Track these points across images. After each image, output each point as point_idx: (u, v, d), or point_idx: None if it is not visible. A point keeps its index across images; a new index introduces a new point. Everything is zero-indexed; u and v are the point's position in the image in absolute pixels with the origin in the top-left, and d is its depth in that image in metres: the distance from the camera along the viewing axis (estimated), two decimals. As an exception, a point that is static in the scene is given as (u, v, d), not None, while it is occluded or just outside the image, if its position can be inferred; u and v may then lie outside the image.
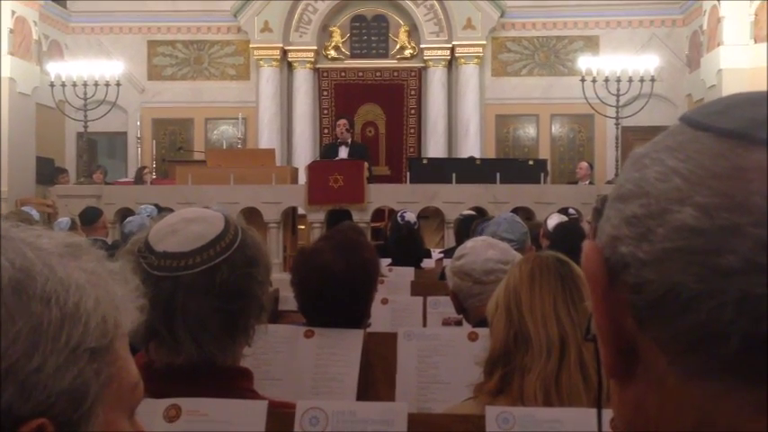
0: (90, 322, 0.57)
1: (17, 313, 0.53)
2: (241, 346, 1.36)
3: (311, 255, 2.09)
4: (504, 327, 1.59)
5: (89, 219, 6.15)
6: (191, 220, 1.34)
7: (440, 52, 12.29)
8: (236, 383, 1.36)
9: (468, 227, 4.62)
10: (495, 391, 1.54)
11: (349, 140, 8.92)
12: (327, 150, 9.27)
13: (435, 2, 12.17)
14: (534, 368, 1.53)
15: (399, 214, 4.98)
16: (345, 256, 2.03)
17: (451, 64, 12.42)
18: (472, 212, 6.42)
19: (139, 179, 10.51)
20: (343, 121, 9.00)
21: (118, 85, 9.88)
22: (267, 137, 12.21)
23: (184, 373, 1.30)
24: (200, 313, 1.27)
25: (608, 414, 0.54)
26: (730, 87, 9.62)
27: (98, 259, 0.62)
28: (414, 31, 12.48)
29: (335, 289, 2.00)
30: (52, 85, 9.78)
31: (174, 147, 12.42)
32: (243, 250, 1.32)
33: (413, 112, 12.57)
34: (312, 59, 12.46)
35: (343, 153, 8.73)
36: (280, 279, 4.89)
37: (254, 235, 1.39)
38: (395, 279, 4.00)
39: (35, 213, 6.32)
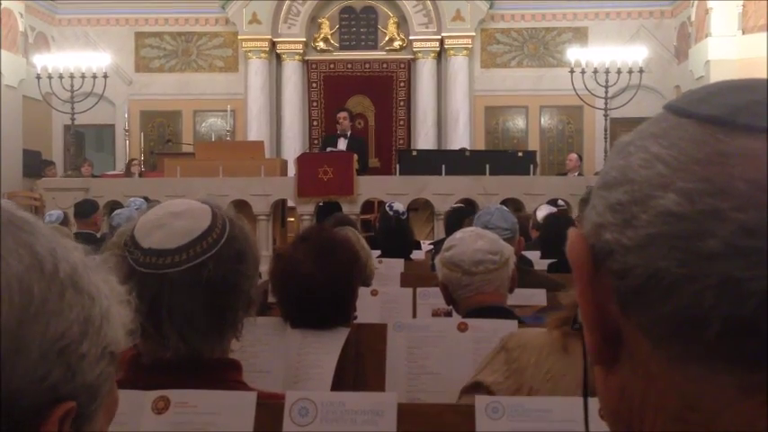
0: (115, 328, 0.61)
1: (74, 302, 0.57)
2: (229, 340, 1.34)
3: (288, 264, 2.02)
4: None
5: (85, 212, 6.10)
6: (177, 214, 1.31)
7: (429, 44, 12.27)
8: (224, 375, 1.35)
9: (458, 219, 4.64)
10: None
11: (349, 132, 8.95)
12: (326, 141, 9.27)
13: (424, -7, 12.17)
14: None
15: (387, 204, 4.98)
16: (323, 265, 1.96)
17: (441, 56, 12.40)
18: (461, 205, 6.43)
19: (129, 171, 10.48)
20: (344, 114, 9.07)
21: (105, 77, 9.80)
22: (256, 129, 12.17)
23: (173, 367, 1.29)
24: (187, 310, 1.25)
25: (595, 402, 0.55)
26: (718, 78, 9.46)
27: (106, 280, 0.65)
28: (403, 23, 12.45)
29: (316, 301, 1.96)
30: (39, 77, 9.71)
31: (163, 139, 12.36)
32: (230, 244, 1.29)
33: (402, 103, 12.56)
34: (301, 51, 12.41)
35: (342, 145, 8.74)
36: (269, 271, 4.89)
37: (242, 226, 1.36)
38: (385, 271, 3.99)
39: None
